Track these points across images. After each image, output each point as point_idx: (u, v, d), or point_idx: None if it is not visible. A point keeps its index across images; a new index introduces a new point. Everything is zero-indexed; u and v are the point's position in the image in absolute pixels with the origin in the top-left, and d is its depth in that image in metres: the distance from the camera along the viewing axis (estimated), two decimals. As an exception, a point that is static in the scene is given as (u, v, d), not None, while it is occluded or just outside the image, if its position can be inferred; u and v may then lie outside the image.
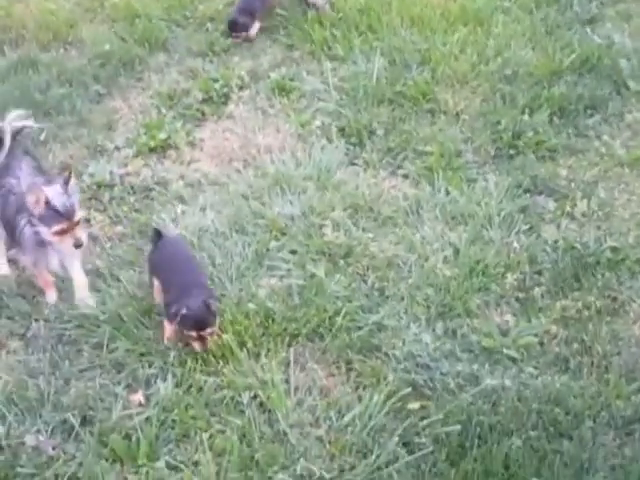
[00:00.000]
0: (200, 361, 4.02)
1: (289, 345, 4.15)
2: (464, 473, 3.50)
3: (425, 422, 3.75)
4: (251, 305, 4.32)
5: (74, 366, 4.07)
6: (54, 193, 4.12)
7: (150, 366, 4.06)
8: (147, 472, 3.59)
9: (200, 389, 3.92)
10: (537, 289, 4.44)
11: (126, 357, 4.08)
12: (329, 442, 3.71)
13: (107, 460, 3.64)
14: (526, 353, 4.11)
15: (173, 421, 3.79)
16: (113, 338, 4.15)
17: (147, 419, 3.80)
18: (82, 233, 4.22)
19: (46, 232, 4.13)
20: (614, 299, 4.38)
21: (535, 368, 4.03)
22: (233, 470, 3.59)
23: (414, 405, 3.84)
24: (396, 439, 3.67)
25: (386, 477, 3.55)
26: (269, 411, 3.84)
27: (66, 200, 4.12)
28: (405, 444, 3.68)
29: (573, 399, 3.81)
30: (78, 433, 3.77)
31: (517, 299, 4.41)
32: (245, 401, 3.86)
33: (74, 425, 3.78)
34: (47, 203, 4.07)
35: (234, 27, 6.42)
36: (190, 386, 3.93)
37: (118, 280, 4.48)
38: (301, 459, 3.62)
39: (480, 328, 4.22)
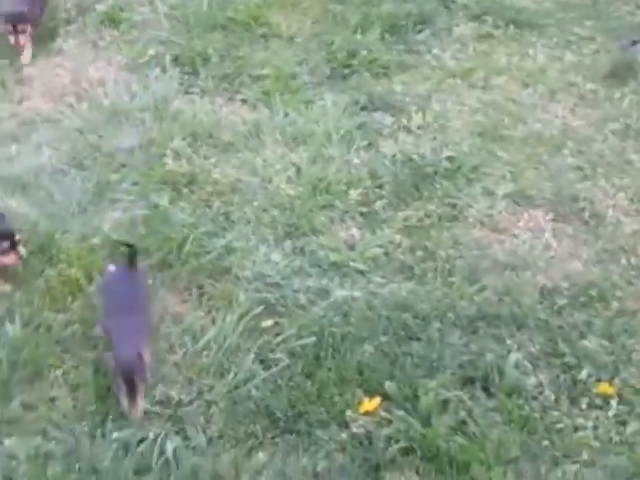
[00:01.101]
0: (48, 299, 3.91)
1: (138, 277, 4.08)
2: (320, 383, 3.57)
3: (279, 338, 3.79)
4: (96, 240, 4.23)
5: None
6: None
7: (-5, 309, 3.92)
8: (2, 413, 3.48)
9: (49, 327, 3.81)
10: (379, 202, 4.54)
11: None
12: (186, 367, 3.69)
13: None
14: (373, 264, 4.20)
15: (24, 361, 3.67)
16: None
17: (-5, 361, 3.67)
18: None
19: None
20: (453, 206, 4.53)
21: (382, 277, 4.13)
22: (90, 403, 3.53)
23: (267, 323, 3.87)
24: (252, 357, 3.70)
25: (245, 394, 3.57)
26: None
27: None
28: (261, 361, 3.72)
29: (420, 303, 3.94)
30: None
31: (361, 213, 4.49)
32: (96, 335, 3.79)
33: None
34: None
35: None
36: (39, 325, 3.82)
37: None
38: (159, 385, 3.59)
39: (327, 244, 4.28)
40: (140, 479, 3.29)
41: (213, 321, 3.88)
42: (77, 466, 3.31)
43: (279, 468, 3.33)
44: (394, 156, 4.78)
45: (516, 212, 4.53)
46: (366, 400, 3.48)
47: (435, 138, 4.93)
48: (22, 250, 4.04)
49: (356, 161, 4.76)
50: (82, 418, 3.50)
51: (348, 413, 3.46)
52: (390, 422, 3.43)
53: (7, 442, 3.39)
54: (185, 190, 4.57)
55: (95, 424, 3.47)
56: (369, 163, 4.72)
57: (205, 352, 3.74)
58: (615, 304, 3.97)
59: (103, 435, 3.42)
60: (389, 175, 4.68)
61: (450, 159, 4.76)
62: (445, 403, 3.49)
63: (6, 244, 3.98)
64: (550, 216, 4.50)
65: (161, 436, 3.42)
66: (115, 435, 3.43)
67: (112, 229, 4.30)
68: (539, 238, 4.37)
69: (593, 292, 4.01)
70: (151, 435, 3.43)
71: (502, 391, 3.54)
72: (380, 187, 4.62)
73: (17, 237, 4.03)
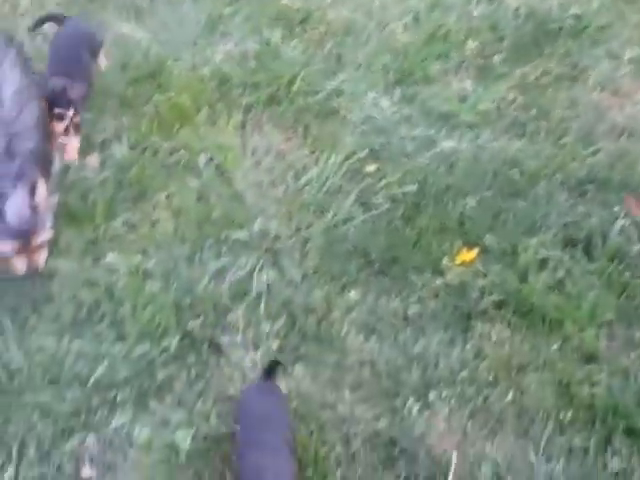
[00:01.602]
0: (156, 124, 3.95)
1: (246, 111, 4.08)
2: (419, 229, 3.55)
3: (382, 183, 3.76)
4: (206, 70, 4.22)
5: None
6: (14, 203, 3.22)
7: (104, 130, 3.98)
8: (105, 230, 3.58)
9: (156, 151, 3.86)
10: (497, 56, 4.39)
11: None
12: (286, 203, 3.71)
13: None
14: (483, 118, 4.10)
15: (130, 181, 3.75)
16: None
17: (103, 180, 3.75)
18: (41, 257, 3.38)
19: None
20: (574, 66, 4.36)
21: (492, 133, 4.03)
22: (191, 228, 3.59)
23: (371, 167, 3.83)
24: (352, 199, 3.69)
25: (342, 234, 3.58)
26: (226, 173, 3.81)
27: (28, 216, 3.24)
28: (362, 204, 3.70)
29: (529, 161, 3.83)
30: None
31: (476, 66, 4.35)
32: (202, 164, 3.82)
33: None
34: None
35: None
36: (145, 149, 3.87)
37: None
38: (258, 217, 3.62)
39: (438, 94, 4.17)
40: (233, 304, 3.36)
41: (316, 161, 3.87)
42: (174, 286, 3.39)
43: (370, 307, 3.36)
44: (517, 9, 4.59)
45: (640, 78, 4.32)
46: (464, 250, 3.45)
47: (563, -6, 4.68)
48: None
49: (476, 13, 4.58)
50: (182, 242, 3.56)
51: (444, 262, 3.44)
52: (486, 275, 3.40)
53: (109, 257, 3.48)
54: (298, 28, 4.50)
55: (194, 249, 3.53)
56: (491, 15, 4.53)
57: (307, 189, 3.73)
58: None
59: (201, 260, 3.49)
60: (510, 29, 4.50)
61: (577, 17, 4.54)
62: (544, 262, 3.44)
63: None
64: (676, 84, 4.28)
65: (257, 267, 3.47)
66: (213, 262, 3.49)
67: (223, 61, 4.28)
68: (661, 106, 4.17)
69: None
70: (248, 265, 3.48)
71: (604, 255, 3.47)
72: (499, 40, 4.46)
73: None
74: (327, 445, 2.99)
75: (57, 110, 3.70)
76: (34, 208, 3.22)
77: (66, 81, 3.76)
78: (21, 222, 3.20)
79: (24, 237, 3.22)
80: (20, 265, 3.29)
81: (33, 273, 3.33)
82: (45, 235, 3.30)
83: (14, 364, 3.19)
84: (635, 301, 3.35)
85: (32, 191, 3.22)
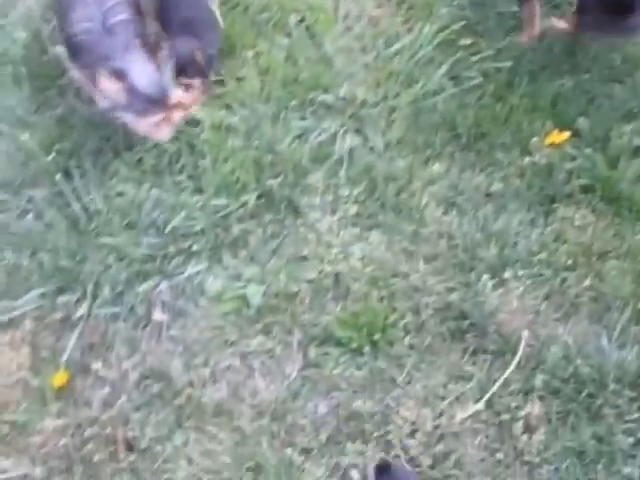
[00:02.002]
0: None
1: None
2: (510, 107, 3.44)
3: (475, 58, 3.62)
4: None
5: None
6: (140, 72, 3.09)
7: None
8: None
9: (246, 7, 3.78)
10: None
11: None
12: (375, 69, 3.62)
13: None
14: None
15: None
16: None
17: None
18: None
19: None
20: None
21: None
22: (277, 88, 3.54)
23: (466, 41, 3.69)
24: (444, 70, 3.57)
25: (430, 105, 3.49)
26: (316, 36, 3.72)
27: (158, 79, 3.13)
28: (453, 77, 3.58)
29: (630, 46, 3.65)
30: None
31: None
32: (292, 24, 3.73)
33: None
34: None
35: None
36: (237, 4, 3.79)
37: None
38: (345, 82, 3.55)
39: None
40: (314, 166, 3.33)
41: (410, 30, 3.74)
42: (256, 143, 3.36)
43: (453, 181, 3.30)
44: None
45: None
46: (555, 132, 3.34)
47: None
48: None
49: None
50: (267, 101, 3.51)
51: (533, 141, 3.34)
52: (575, 158, 3.30)
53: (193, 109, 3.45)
54: None
55: (279, 109, 3.49)
56: None
57: (397, 57, 3.63)
58: None
59: (284, 120, 3.45)
60: None
61: None
62: (637, 150, 3.31)
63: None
64: None
65: (341, 132, 3.42)
66: (297, 123, 3.45)
67: None
68: None
69: None
70: (332, 129, 3.43)
71: None
72: None
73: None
74: (397, 312, 2.99)
75: (184, 80, 3.29)
76: (159, 68, 3.15)
77: (194, 43, 3.32)
78: (156, 88, 3.11)
79: (163, 101, 3.14)
80: (164, 131, 3.26)
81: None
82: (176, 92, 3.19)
83: (93, 206, 3.23)
84: None
85: (151, 52, 3.17)
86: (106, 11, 3.13)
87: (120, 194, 3.28)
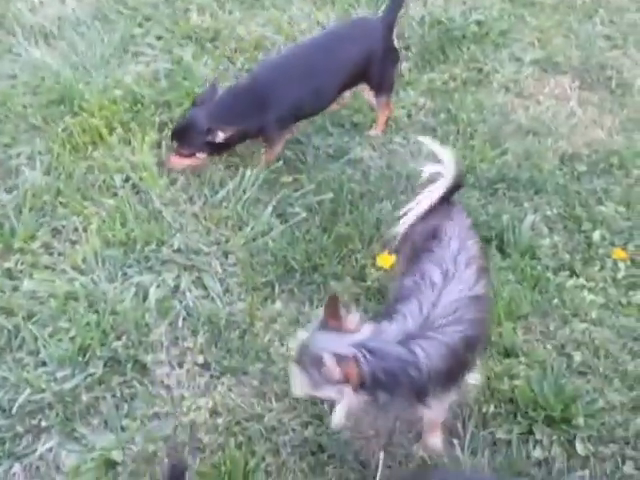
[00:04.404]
0: (68, 147, 3.93)
1: (159, 130, 4.08)
2: (337, 236, 3.59)
3: (298, 193, 3.80)
4: (117, 91, 4.22)
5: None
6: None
7: (18, 156, 3.95)
8: (22, 255, 3.54)
9: (70, 175, 3.84)
10: (405, 64, 4.48)
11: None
12: (204, 218, 3.73)
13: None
14: (395, 125, 4.17)
15: (46, 206, 3.72)
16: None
17: (17, 205, 3.72)
18: None
19: None
20: (479, 70, 4.49)
21: (403, 138, 4.11)
22: (111, 248, 3.58)
23: (287, 179, 3.88)
24: (270, 210, 3.72)
25: (262, 245, 3.61)
26: (143, 192, 3.81)
27: None
28: (279, 215, 3.74)
29: (440, 164, 3.90)
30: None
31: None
32: (118, 183, 3.82)
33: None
34: None
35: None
36: (60, 173, 3.85)
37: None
38: (178, 234, 3.63)
39: (349, 104, 4.24)
40: (156, 322, 3.36)
41: (232, 175, 3.88)
42: (96, 307, 3.37)
43: (293, 316, 3.39)
44: (422, 18, 4.70)
45: (542, 79, 4.49)
46: (384, 254, 3.50)
47: (465, 2, 4.82)
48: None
49: (383, 22, 4.66)
50: (103, 263, 3.55)
51: (364, 266, 3.49)
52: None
53: (28, 282, 3.45)
54: (209, 45, 4.54)
55: (115, 269, 3.52)
56: (397, 25, 4.61)
57: (224, 204, 3.76)
58: (636, 172, 3.97)
59: (124, 279, 3.48)
60: (416, 37, 4.61)
61: (479, 23, 4.70)
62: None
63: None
64: (576, 84, 4.46)
65: (180, 284, 3.48)
66: (135, 279, 3.49)
67: (134, 82, 4.28)
68: (564, 105, 4.34)
69: (614, 159, 4.01)
70: (170, 282, 3.48)
71: (517, 251, 3.57)
72: (407, 49, 4.56)
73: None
74: (256, 456, 3.01)
75: None
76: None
77: None
78: None
79: None
80: None
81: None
82: None
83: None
84: (548, 294, 3.45)
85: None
86: None
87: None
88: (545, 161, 3.98)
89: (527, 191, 3.85)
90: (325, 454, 3.02)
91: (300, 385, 2.60)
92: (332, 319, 2.57)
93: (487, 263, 3.08)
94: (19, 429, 3.09)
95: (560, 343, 3.32)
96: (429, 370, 2.56)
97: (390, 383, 2.54)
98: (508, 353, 3.28)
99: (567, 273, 3.54)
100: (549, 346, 3.31)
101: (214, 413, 3.11)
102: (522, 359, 3.25)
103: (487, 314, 2.86)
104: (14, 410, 3.12)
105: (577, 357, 3.27)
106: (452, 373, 2.67)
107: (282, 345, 3.30)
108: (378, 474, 2.93)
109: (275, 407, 3.14)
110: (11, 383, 3.18)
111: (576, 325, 3.36)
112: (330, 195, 3.76)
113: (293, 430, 3.08)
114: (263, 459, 3.01)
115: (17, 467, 3.02)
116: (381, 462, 2.96)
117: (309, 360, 2.54)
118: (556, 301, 3.43)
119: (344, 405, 2.83)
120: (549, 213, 3.74)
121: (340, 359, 2.48)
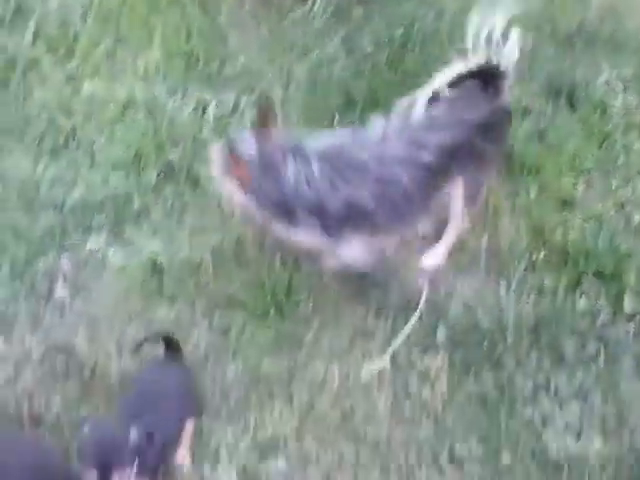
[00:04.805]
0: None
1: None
2: (403, 72, 3.50)
3: (368, 28, 3.69)
4: None
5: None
6: None
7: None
8: (84, 60, 3.51)
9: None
10: None
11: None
12: (270, 42, 3.66)
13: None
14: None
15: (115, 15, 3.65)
16: None
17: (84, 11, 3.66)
18: None
19: None
20: None
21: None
22: (174, 61, 3.54)
23: (358, 12, 3.76)
24: (338, 40, 3.62)
25: (326, 74, 3.53)
26: (210, 10, 3.73)
27: None
28: (346, 47, 3.64)
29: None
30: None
31: None
32: None
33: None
34: None
35: None
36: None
37: None
38: (241, 56, 3.60)
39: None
40: (213, 137, 3.31)
41: (302, 3, 3.77)
42: (155, 116, 3.36)
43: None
44: None
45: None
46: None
47: None
48: None
49: None
50: (165, 76, 3.51)
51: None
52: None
53: (88, 85, 3.43)
54: None
55: (177, 83, 3.48)
56: None
57: (292, 30, 3.67)
58: None
59: (184, 94, 3.45)
60: None
61: None
62: (526, 110, 3.42)
63: None
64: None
65: (240, 103, 3.44)
66: (196, 95, 3.44)
67: None
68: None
69: None
70: (230, 101, 3.45)
71: (587, 106, 3.45)
72: None
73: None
74: (301, 275, 3.03)
75: None
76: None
77: None
78: None
79: None
80: None
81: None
82: None
83: (-13, 187, 3.18)
84: (614, 152, 3.35)
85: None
86: None
87: (16, 173, 3.22)
88: (630, 19, 3.79)
89: (606, 48, 3.68)
90: (369, 280, 3.01)
91: (216, 166, 2.77)
92: (262, 123, 2.65)
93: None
94: (70, 225, 3.13)
95: (620, 202, 3.24)
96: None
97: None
98: (565, 205, 3.21)
99: (636, 134, 3.42)
100: (609, 203, 3.23)
101: (262, 231, 3.10)
102: (579, 212, 3.18)
103: None
104: (67, 207, 3.15)
105: (636, 217, 3.19)
106: None
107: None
108: (421, 303, 2.94)
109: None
110: (66, 181, 3.20)
111: (638, 185, 3.26)
112: (400, 31, 3.64)
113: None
114: (307, 279, 3.01)
115: (66, 260, 3.06)
116: (424, 296, 2.96)
117: (226, 147, 2.72)
118: (621, 160, 3.33)
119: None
120: (626, 72, 3.59)
121: (237, 157, 2.66)
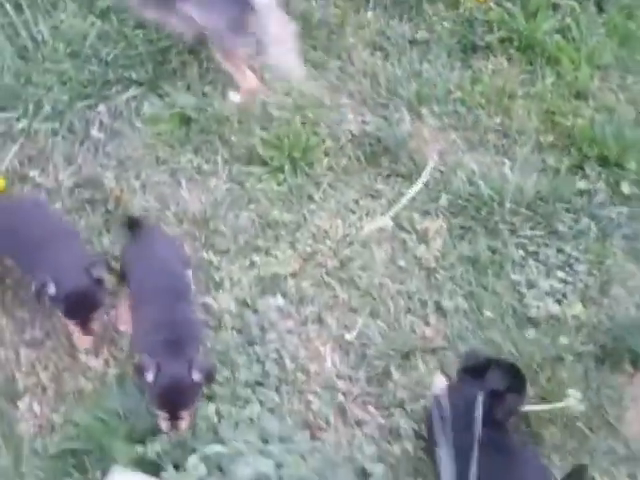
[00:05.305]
0: None
1: None
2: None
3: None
4: None
5: None
6: None
7: None
8: None
9: None
10: None
11: None
12: None
13: None
14: None
15: None
16: None
17: None
18: None
19: None
20: None
21: None
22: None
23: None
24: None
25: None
26: None
27: None
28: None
29: None
30: None
31: None
32: None
33: None
34: None
35: None
36: None
37: None
38: None
39: None
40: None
41: None
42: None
43: (381, 28, 3.51)
44: None
45: None
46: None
47: None
48: None
49: None
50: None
51: (460, -3, 3.54)
52: (495, 11, 3.50)
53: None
54: None
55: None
56: None
57: None
58: None
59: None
60: None
61: None
62: (555, 7, 3.53)
63: None
64: None
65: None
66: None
67: None
68: None
69: None
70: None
71: (615, 7, 3.54)
72: None
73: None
74: (318, 137, 3.20)
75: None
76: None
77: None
78: None
79: None
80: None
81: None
82: None
83: (40, 37, 3.40)
84: (635, 51, 3.45)
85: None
86: None
87: (67, 26, 3.44)
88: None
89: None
90: (381, 147, 3.19)
91: None
92: None
93: None
94: (111, 76, 3.34)
95: (633, 97, 3.34)
96: None
97: None
98: (579, 96, 3.33)
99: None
100: (622, 97, 3.34)
101: (286, 94, 3.29)
102: (591, 103, 3.30)
103: None
104: (109, 59, 3.36)
105: (648, 112, 3.30)
106: None
107: (365, 50, 3.43)
108: (425, 171, 3.11)
109: (345, 102, 3.32)
110: (110, 37, 3.41)
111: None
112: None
113: (357, 123, 3.25)
114: (324, 141, 3.20)
115: (103, 106, 3.29)
116: (431, 163, 3.13)
117: None
118: (641, 58, 3.44)
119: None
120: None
121: None
